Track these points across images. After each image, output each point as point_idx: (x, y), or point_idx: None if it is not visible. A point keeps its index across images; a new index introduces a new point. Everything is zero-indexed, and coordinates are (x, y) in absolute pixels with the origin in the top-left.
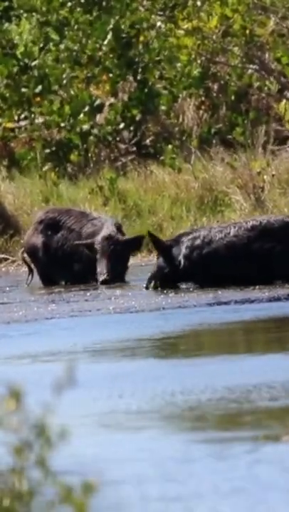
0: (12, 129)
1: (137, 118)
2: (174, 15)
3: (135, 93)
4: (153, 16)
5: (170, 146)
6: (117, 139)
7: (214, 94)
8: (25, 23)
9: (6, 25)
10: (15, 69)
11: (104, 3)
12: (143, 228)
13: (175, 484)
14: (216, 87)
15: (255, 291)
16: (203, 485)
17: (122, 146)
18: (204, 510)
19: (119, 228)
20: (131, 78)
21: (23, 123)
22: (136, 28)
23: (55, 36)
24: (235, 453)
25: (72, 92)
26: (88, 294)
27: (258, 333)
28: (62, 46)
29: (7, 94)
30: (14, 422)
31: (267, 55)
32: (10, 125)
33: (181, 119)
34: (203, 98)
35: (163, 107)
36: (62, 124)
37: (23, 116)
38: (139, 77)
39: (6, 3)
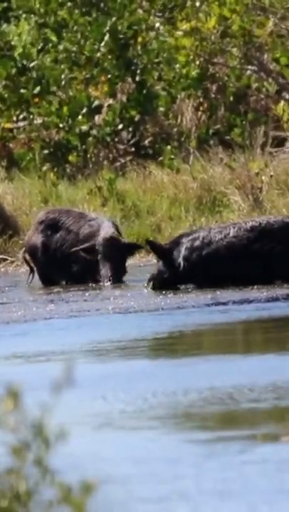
0: (11, 130)
1: (136, 119)
2: (173, 16)
3: (134, 94)
4: (151, 17)
5: (169, 147)
6: (116, 139)
7: (213, 95)
8: (23, 24)
9: (5, 26)
10: (13, 70)
11: (102, 5)
12: (142, 228)
13: (166, 484)
14: (214, 88)
15: (253, 291)
16: (194, 485)
17: (121, 146)
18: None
19: (116, 229)
20: (129, 79)
21: (21, 124)
22: (134, 29)
23: (53, 37)
24: (227, 453)
25: (70, 93)
26: (87, 294)
27: (256, 333)
28: (60, 47)
29: (6, 95)
30: (12, 422)
31: (266, 56)
32: (9, 126)
33: (179, 120)
34: (201, 99)
35: (161, 108)
36: (61, 125)
37: (21, 117)
38: (137, 79)
39: (5, 4)
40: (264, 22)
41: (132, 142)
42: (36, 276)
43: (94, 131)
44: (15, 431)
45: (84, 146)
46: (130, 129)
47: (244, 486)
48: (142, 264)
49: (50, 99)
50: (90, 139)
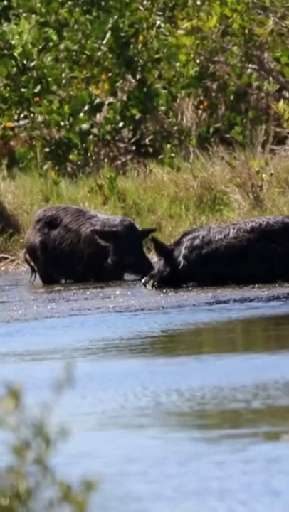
0: (12, 128)
1: (136, 117)
2: (174, 15)
3: (134, 93)
4: (152, 16)
5: (169, 146)
6: (117, 138)
7: (213, 94)
8: (24, 23)
9: (5, 25)
10: (14, 69)
11: (103, 3)
12: (142, 227)
13: (158, 483)
14: (214, 86)
15: (254, 290)
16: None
17: (122, 145)
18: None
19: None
20: (130, 77)
21: (22, 122)
22: (135, 27)
23: (54, 36)
24: (222, 451)
25: (71, 92)
26: (88, 292)
27: (256, 331)
28: (61, 46)
29: (6, 94)
30: (13, 421)
31: (266, 55)
32: (10, 124)
33: (180, 119)
34: (202, 97)
35: (162, 107)
36: (62, 124)
37: (22, 115)
38: (138, 77)
39: (5, 3)
40: (264, 21)
41: (132, 141)
42: (37, 275)
43: (95, 130)
44: (16, 430)
45: (85, 145)
46: (131, 127)
47: (238, 485)
48: None
49: (50, 98)
50: (91, 137)
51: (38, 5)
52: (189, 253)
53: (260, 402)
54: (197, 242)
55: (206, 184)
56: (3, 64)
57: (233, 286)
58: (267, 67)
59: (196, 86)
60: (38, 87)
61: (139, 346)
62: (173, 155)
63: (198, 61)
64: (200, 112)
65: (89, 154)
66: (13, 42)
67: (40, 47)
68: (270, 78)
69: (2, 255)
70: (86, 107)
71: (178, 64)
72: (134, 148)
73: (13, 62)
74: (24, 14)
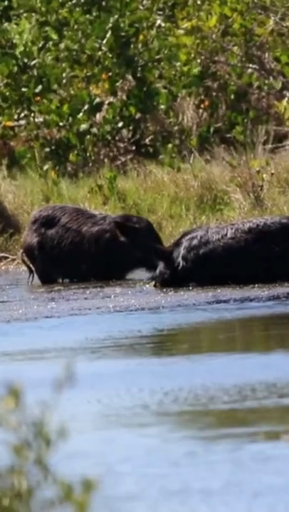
0: (12, 128)
1: (136, 117)
2: (174, 14)
3: (134, 92)
4: (152, 16)
5: (169, 145)
6: (116, 138)
7: (214, 94)
8: (24, 23)
9: (6, 24)
10: (14, 68)
11: (103, 3)
12: None
13: (154, 482)
14: (215, 86)
15: (254, 289)
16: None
17: (121, 145)
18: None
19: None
20: (130, 77)
21: (22, 122)
22: (135, 27)
23: (54, 36)
24: (218, 451)
25: (71, 92)
26: (88, 292)
27: (256, 331)
28: (61, 46)
29: (7, 94)
30: (13, 421)
31: (266, 55)
32: (10, 124)
33: (180, 118)
34: (202, 97)
35: (162, 106)
36: (62, 123)
37: (22, 115)
38: (138, 76)
39: (6, 3)
40: (265, 21)
41: (132, 140)
42: (36, 275)
43: (94, 130)
44: (16, 430)
45: (83, 145)
46: (131, 127)
47: (235, 484)
48: None
49: (51, 97)
50: (91, 137)
51: (39, 4)
52: (187, 253)
53: (255, 402)
54: (195, 242)
55: (207, 184)
56: (4, 63)
57: (233, 286)
58: (267, 67)
59: (197, 85)
60: (39, 87)
61: (139, 346)
62: (173, 155)
63: (198, 61)
64: (200, 111)
65: (88, 154)
66: (13, 41)
67: (41, 46)
68: (271, 78)
69: (2, 255)
70: (86, 107)
71: (178, 63)
72: (134, 148)
73: (14, 61)
74: (25, 14)
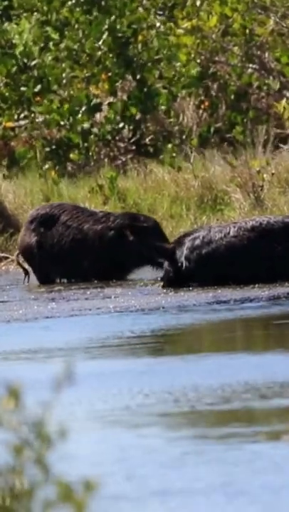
0: (12, 128)
1: (137, 117)
2: (174, 14)
3: (134, 92)
4: (152, 16)
5: (170, 145)
6: (117, 138)
7: (214, 94)
8: (24, 23)
9: (6, 24)
10: (14, 68)
11: (103, 3)
12: None
13: (150, 482)
14: (215, 86)
15: (254, 289)
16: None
17: (122, 144)
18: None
19: None
20: (130, 77)
21: (23, 122)
22: (133, 27)
23: (54, 36)
24: (215, 450)
25: (72, 92)
26: (88, 292)
27: (257, 331)
28: (62, 46)
29: (7, 94)
30: (13, 421)
31: (267, 55)
32: (10, 124)
33: (180, 118)
34: (202, 97)
35: (162, 106)
36: (62, 123)
37: (23, 115)
38: (138, 77)
39: (6, 3)
40: (265, 21)
41: (132, 140)
42: (33, 276)
43: (95, 129)
44: (16, 430)
45: (85, 144)
46: (131, 127)
47: (231, 484)
48: None
49: (51, 97)
50: (91, 137)
51: (39, 4)
52: (190, 253)
53: (254, 403)
54: (197, 242)
55: (207, 184)
56: (3, 63)
57: (233, 287)
58: (267, 67)
59: (197, 86)
60: (39, 87)
61: (139, 346)
62: (173, 155)
63: (198, 61)
64: (201, 111)
65: (90, 154)
66: (14, 41)
67: (41, 46)
68: (271, 78)
69: (3, 255)
70: (86, 107)
71: (178, 64)
72: (134, 148)
73: (14, 61)
74: (25, 14)
